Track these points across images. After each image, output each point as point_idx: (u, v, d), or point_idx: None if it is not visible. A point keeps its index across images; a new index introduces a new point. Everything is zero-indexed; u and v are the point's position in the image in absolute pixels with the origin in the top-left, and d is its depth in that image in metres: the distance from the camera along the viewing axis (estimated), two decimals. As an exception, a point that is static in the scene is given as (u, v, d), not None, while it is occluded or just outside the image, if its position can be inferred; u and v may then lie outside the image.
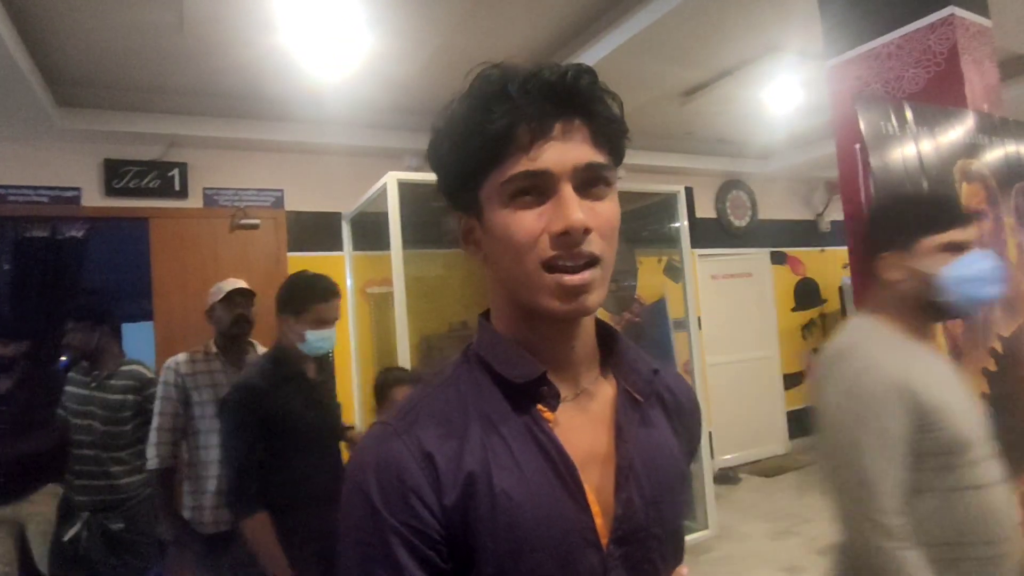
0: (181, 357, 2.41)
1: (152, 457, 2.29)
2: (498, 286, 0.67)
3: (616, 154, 0.63)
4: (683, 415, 0.75)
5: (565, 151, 0.58)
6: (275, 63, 3.04)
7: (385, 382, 2.12)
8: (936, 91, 1.71)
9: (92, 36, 2.75)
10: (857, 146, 1.91)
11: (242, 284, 2.54)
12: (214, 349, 2.47)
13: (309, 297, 1.88)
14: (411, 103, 3.70)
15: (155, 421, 2.31)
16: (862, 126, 1.40)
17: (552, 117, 0.58)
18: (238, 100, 3.52)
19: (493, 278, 0.67)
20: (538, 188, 0.59)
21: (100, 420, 2.56)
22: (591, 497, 0.61)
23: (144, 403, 2.60)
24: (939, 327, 1.46)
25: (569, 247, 0.57)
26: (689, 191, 4.96)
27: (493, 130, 0.58)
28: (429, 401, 0.64)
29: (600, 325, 0.71)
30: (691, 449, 0.77)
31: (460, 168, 0.62)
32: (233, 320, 2.46)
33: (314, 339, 1.87)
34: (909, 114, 1.48)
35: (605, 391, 0.68)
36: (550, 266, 0.58)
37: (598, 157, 0.60)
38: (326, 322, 1.90)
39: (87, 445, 2.54)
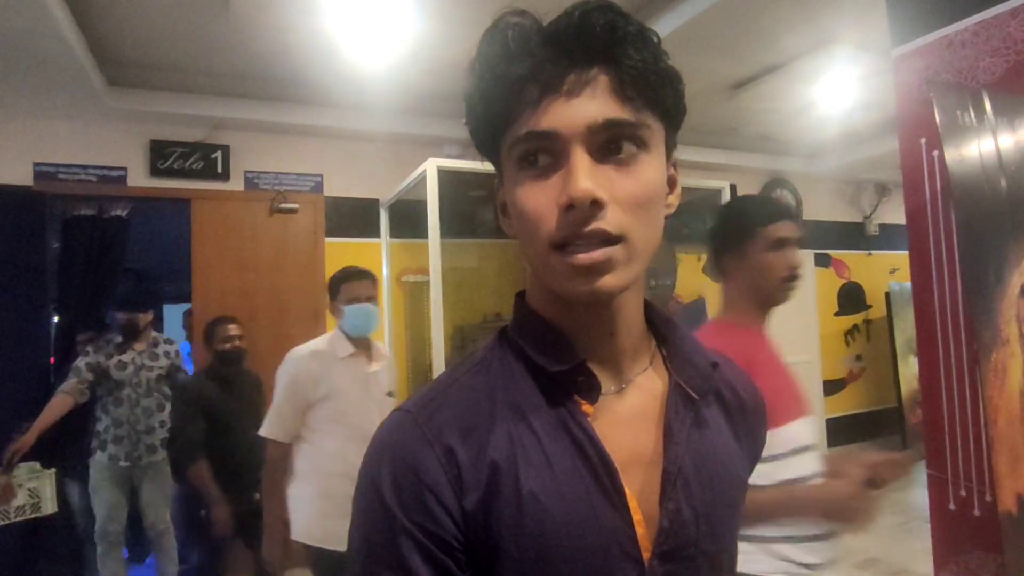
0: None
1: None
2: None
3: (655, 105, 0.52)
4: (746, 416, 0.66)
5: (576, 107, 0.49)
6: (319, 47, 3.03)
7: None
8: (1015, 82, 1.59)
9: (142, 17, 2.78)
10: (923, 140, 1.81)
11: None
12: None
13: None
14: (454, 90, 3.66)
15: None
16: (937, 115, 1.30)
17: (563, 67, 0.50)
18: (281, 84, 3.53)
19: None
20: (548, 154, 0.51)
21: None
22: (633, 504, 0.53)
23: None
24: (1013, 332, 1.36)
25: (576, 224, 0.48)
26: (733, 188, 4.83)
27: (496, 91, 0.51)
28: (455, 388, 0.56)
29: (652, 311, 0.63)
30: (754, 456, 0.68)
31: (479, 130, 0.56)
32: None
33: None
34: (988, 104, 1.38)
35: (655, 385, 0.60)
36: (559, 245, 0.50)
37: (621, 112, 0.50)
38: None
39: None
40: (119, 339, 3.08)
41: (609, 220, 0.49)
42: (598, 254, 0.49)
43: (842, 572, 3.38)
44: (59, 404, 2.87)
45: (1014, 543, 1.34)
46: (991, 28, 1.65)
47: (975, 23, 1.69)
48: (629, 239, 0.50)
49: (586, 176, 0.48)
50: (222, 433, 2.77)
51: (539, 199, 0.50)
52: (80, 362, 3.01)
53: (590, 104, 0.49)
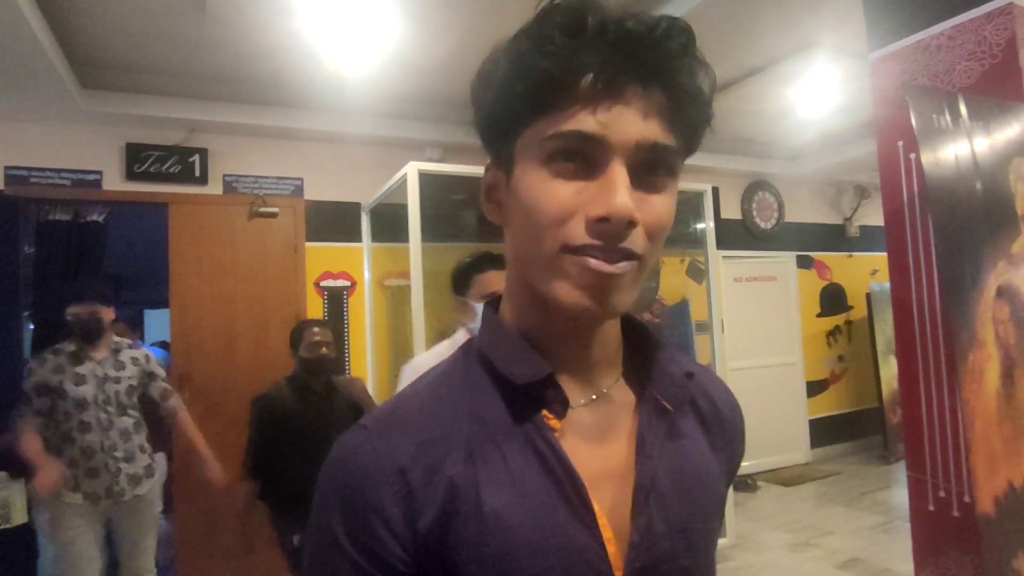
0: None
1: None
2: (512, 263, 0.57)
3: (691, 140, 0.51)
4: (723, 426, 0.64)
5: (633, 121, 0.46)
6: (298, 50, 3.00)
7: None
8: (991, 85, 1.60)
9: (117, 18, 2.73)
10: (900, 143, 1.82)
11: None
12: None
13: None
14: (435, 93, 3.65)
15: None
16: (913, 118, 1.31)
17: (628, 75, 0.46)
18: (260, 87, 3.49)
19: (510, 250, 0.56)
20: (586, 156, 0.47)
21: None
22: (603, 521, 0.51)
23: None
24: (989, 334, 1.37)
25: (606, 238, 0.47)
26: (715, 191, 4.86)
27: (551, 69, 0.46)
28: (415, 402, 0.54)
29: (626, 319, 0.60)
30: (732, 468, 0.65)
31: (500, 105, 0.50)
32: None
33: None
34: (963, 108, 1.39)
35: (627, 397, 0.58)
36: (574, 249, 0.47)
37: (668, 139, 0.48)
38: None
39: None
40: (72, 347, 2.53)
41: (635, 241, 0.48)
42: (622, 266, 0.47)
43: (824, 572, 3.40)
44: (32, 442, 2.39)
45: (992, 544, 1.34)
46: (966, 32, 1.66)
47: (951, 27, 1.70)
48: (644, 260, 0.49)
49: (625, 192, 0.46)
50: (303, 448, 2.38)
51: (565, 201, 0.48)
52: (27, 385, 2.48)
53: (644, 121, 0.47)
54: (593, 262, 0.47)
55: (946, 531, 1.75)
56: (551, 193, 0.48)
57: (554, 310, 0.52)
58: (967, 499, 1.69)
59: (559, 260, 0.48)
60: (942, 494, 1.78)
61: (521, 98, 0.48)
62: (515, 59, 0.48)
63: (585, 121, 0.46)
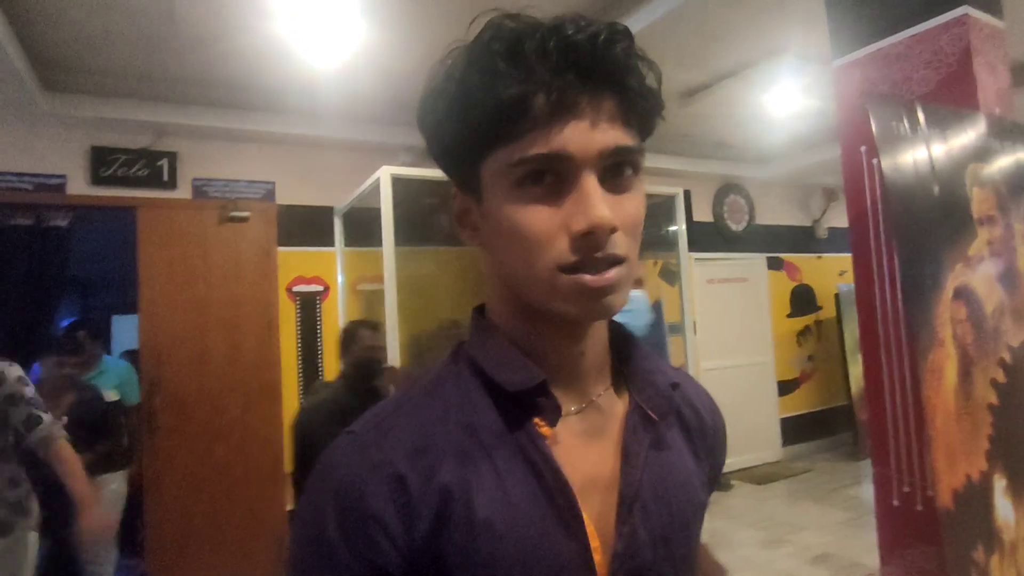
0: None
1: None
2: (497, 279, 0.57)
3: (646, 132, 0.53)
4: (706, 435, 0.65)
5: (591, 132, 0.48)
6: (269, 52, 2.97)
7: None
8: (946, 93, 1.66)
9: (81, 19, 2.67)
10: (863, 148, 1.87)
11: None
12: None
13: None
14: (407, 97, 3.63)
15: None
16: (873, 126, 1.35)
17: (577, 88, 0.48)
18: (230, 89, 3.44)
19: (492, 268, 0.57)
20: (555, 175, 0.49)
21: None
22: (590, 529, 0.52)
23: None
24: (948, 333, 1.41)
25: (591, 249, 0.48)
26: (687, 194, 4.92)
27: (502, 100, 0.47)
28: (406, 409, 0.54)
29: (614, 329, 0.62)
30: (714, 476, 0.67)
31: (458, 138, 0.51)
32: None
33: None
34: (921, 115, 1.43)
35: (615, 406, 0.59)
36: (568, 268, 0.49)
37: (627, 140, 0.50)
38: None
39: None
40: None
41: (617, 244, 0.49)
42: (611, 275, 0.49)
43: (796, 568, 3.46)
44: None
45: (952, 537, 1.39)
46: (923, 42, 1.71)
47: (909, 36, 1.76)
48: (629, 260, 0.51)
49: (602, 202, 0.48)
50: None
51: (546, 221, 0.49)
52: None
53: (600, 129, 0.48)
54: (588, 278, 0.49)
55: (911, 525, 1.80)
56: (530, 219, 0.49)
57: (547, 317, 0.53)
58: (930, 493, 1.74)
59: (556, 281, 0.49)
60: (906, 489, 1.83)
61: (476, 132, 0.49)
62: (464, 94, 0.49)
63: (545, 142, 0.47)
